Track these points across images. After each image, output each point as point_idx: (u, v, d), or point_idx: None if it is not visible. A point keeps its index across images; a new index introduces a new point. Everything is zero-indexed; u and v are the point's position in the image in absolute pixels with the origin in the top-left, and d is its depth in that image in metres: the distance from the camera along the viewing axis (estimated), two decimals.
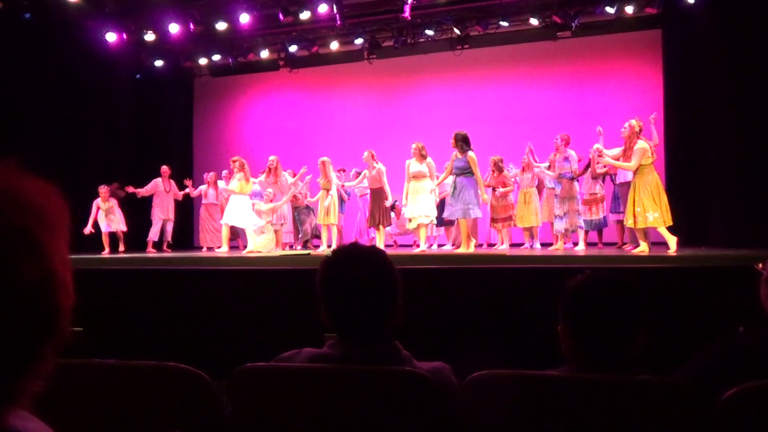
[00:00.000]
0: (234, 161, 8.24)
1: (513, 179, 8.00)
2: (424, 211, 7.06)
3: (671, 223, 5.94)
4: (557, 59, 10.30)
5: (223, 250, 8.24)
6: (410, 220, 7.24)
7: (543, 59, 10.40)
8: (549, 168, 7.58)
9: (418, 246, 8.20)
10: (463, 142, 6.84)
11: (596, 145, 6.90)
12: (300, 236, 9.27)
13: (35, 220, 0.57)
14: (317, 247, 8.74)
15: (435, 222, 7.53)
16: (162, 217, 9.12)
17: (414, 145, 7.19)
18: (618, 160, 6.23)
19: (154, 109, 11.32)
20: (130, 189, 8.86)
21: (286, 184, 8.62)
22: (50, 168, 8.12)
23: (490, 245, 8.77)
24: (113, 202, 8.60)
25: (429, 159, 7.21)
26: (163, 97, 11.55)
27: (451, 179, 7.15)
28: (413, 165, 7.19)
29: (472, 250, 6.97)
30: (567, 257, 6.15)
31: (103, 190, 8.47)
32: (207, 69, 11.85)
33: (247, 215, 8.04)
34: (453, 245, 8.27)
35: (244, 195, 8.10)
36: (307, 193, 9.23)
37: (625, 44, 10.00)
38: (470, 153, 6.81)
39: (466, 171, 6.83)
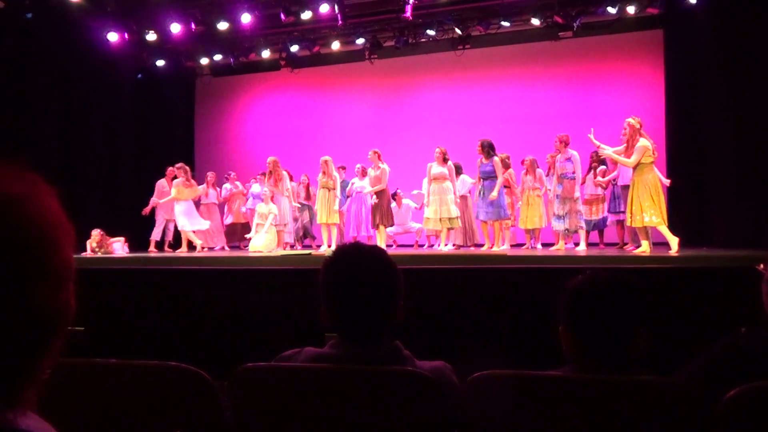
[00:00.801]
0: (178, 168, 8.53)
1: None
2: (446, 214, 7.36)
3: (667, 224, 5.96)
4: (559, 59, 10.30)
5: (198, 243, 8.50)
6: (428, 220, 7.48)
7: (544, 59, 10.40)
8: (548, 173, 7.64)
9: (420, 246, 8.22)
10: (489, 149, 7.26)
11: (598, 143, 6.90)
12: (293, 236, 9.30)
13: (55, 215, 0.61)
14: (308, 246, 8.76)
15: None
16: (166, 217, 9.14)
17: (437, 150, 7.53)
18: (620, 156, 6.23)
19: (156, 108, 11.33)
20: (147, 211, 8.89)
21: (286, 183, 8.63)
22: (52, 167, 8.12)
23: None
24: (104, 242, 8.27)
25: (450, 162, 7.53)
26: (165, 96, 11.56)
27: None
28: (435, 167, 7.47)
29: (507, 247, 7.35)
30: (568, 257, 6.14)
31: (95, 233, 7.99)
32: (208, 69, 11.85)
33: (193, 218, 8.51)
34: (454, 245, 8.28)
35: (184, 201, 8.44)
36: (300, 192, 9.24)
37: (627, 44, 10.00)
38: (495, 158, 7.20)
39: (491, 175, 7.21)
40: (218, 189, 9.72)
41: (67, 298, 0.61)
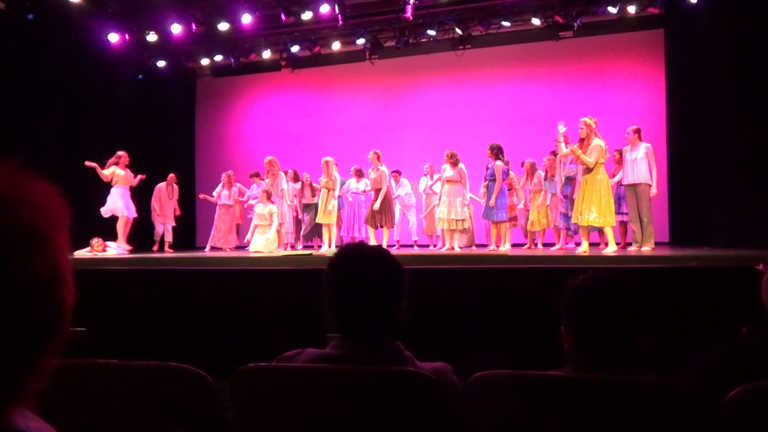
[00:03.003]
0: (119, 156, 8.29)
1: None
2: (457, 216, 7.45)
3: (614, 224, 6.25)
4: (559, 59, 10.30)
5: (126, 247, 8.23)
6: (440, 221, 7.57)
7: (545, 59, 10.40)
8: (546, 176, 7.67)
9: (425, 246, 8.21)
10: (498, 151, 7.34)
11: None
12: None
13: (42, 217, 0.59)
14: (309, 247, 8.76)
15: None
16: (161, 221, 9.26)
17: (446, 153, 7.60)
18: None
19: (157, 109, 11.34)
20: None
21: (281, 184, 8.62)
22: (52, 168, 8.13)
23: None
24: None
25: (461, 165, 7.60)
26: (166, 97, 11.57)
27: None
28: (447, 170, 7.57)
29: (508, 247, 7.43)
30: (568, 257, 6.14)
31: (96, 243, 8.04)
32: (209, 69, 11.87)
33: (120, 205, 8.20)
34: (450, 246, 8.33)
35: (119, 186, 8.20)
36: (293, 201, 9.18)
37: (628, 44, 10.00)
38: (498, 162, 7.29)
39: (494, 178, 7.35)
40: (232, 190, 9.73)
41: (53, 310, 0.59)
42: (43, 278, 0.57)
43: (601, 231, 7.96)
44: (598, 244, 8.13)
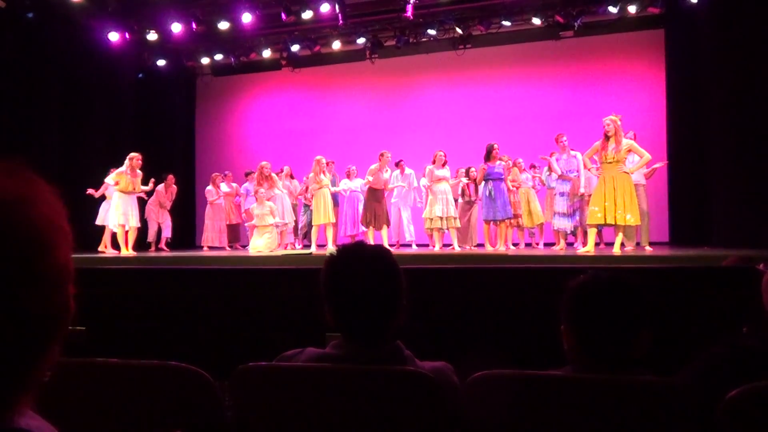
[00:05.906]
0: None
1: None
2: (452, 214, 7.58)
3: (640, 222, 6.38)
4: (559, 59, 10.30)
5: (126, 252, 7.74)
6: (437, 219, 7.60)
7: (545, 59, 10.40)
8: (549, 173, 7.69)
9: (426, 246, 8.22)
10: (488, 153, 7.45)
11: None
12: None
13: (58, 213, 0.61)
14: (309, 246, 8.79)
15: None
16: (158, 221, 9.28)
17: (438, 153, 7.74)
18: (597, 153, 6.30)
19: (157, 108, 11.34)
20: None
21: (277, 187, 8.62)
22: (53, 167, 8.12)
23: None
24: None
25: (447, 166, 7.80)
26: (166, 96, 11.57)
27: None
28: (436, 170, 7.67)
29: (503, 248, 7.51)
30: (568, 257, 6.15)
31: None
32: (209, 68, 11.87)
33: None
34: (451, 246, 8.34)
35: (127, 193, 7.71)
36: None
37: (628, 44, 10.00)
38: (483, 164, 7.44)
39: (488, 179, 7.43)
40: (219, 189, 9.74)
41: (64, 302, 0.61)
42: (62, 268, 0.60)
43: (600, 230, 8.04)
44: (598, 244, 8.14)
